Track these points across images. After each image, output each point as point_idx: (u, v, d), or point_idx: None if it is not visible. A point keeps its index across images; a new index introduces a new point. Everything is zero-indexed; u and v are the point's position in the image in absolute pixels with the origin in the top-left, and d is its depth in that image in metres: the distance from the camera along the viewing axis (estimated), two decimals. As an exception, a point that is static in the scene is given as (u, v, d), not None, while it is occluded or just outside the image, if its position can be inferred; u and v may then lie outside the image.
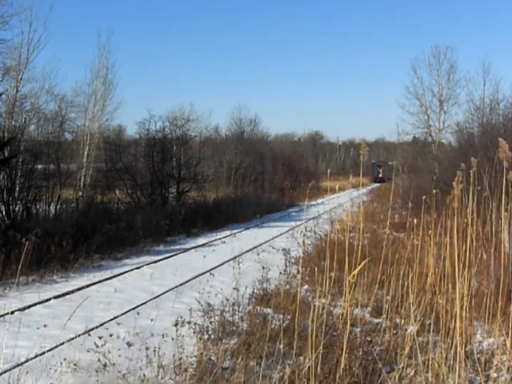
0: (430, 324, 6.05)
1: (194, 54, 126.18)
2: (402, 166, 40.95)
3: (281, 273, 9.87)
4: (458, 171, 6.14)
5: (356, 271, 5.22)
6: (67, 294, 9.55)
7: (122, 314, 8.13)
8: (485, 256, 7.81)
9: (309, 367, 4.80)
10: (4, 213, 13.60)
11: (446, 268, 6.90)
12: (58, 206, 15.11)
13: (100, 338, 5.78)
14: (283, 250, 11.40)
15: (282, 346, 5.57)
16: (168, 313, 8.15)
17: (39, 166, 15.86)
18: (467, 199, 6.55)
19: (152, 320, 7.56)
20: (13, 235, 11.06)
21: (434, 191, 7.44)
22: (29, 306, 8.60)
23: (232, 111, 44.63)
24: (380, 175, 72.55)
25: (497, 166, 5.86)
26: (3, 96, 20.15)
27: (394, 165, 49.25)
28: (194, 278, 11.09)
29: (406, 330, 5.96)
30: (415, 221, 7.91)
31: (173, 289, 10.03)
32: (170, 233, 17.81)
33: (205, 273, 11.50)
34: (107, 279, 11.02)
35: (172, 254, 14.45)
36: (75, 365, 5.66)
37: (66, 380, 5.43)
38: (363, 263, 5.28)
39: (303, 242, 13.54)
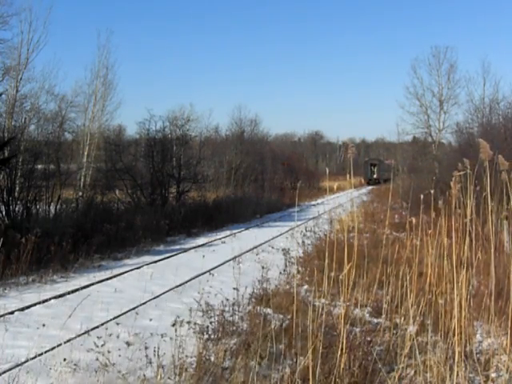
0: (429, 324, 6.06)
1: (194, 53, 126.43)
2: (400, 165, 40.93)
3: (280, 273, 9.87)
4: (455, 171, 6.15)
5: (346, 270, 5.23)
6: (67, 293, 9.55)
7: (121, 314, 8.13)
8: (485, 256, 7.81)
9: (309, 367, 4.80)
10: (4, 213, 13.60)
11: (445, 268, 6.90)
12: (58, 206, 15.10)
13: (100, 338, 5.78)
14: (283, 249, 11.40)
15: (281, 346, 5.58)
16: (168, 313, 8.15)
17: (39, 166, 15.86)
18: (465, 199, 6.55)
19: (152, 320, 7.57)
20: (13, 235, 11.06)
21: (432, 191, 7.43)
22: (29, 306, 8.59)
23: (232, 111, 44.64)
24: (375, 175, 63.88)
25: (496, 166, 5.86)
26: (3, 96, 20.18)
27: (392, 163, 48.99)
28: (193, 278, 11.08)
29: (406, 330, 5.96)
30: (414, 220, 7.91)
31: (173, 289, 10.04)
32: (170, 233, 17.81)
33: (205, 273, 11.50)
34: (107, 279, 11.01)
35: (172, 253, 14.45)
36: (75, 365, 5.66)
37: (66, 380, 5.43)
38: (350, 264, 5.29)
39: (303, 242, 13.56)
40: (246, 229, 20.73)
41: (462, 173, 6.23)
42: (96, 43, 28.11)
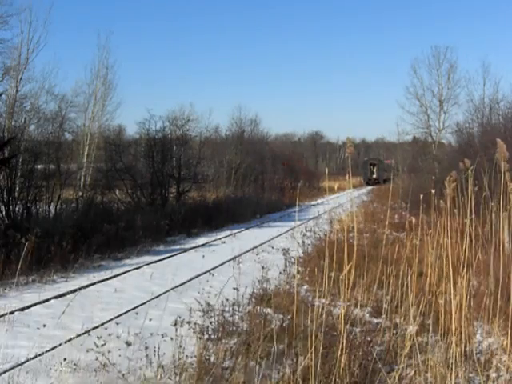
0: (429, 324, 6.05)
1: (194, 53, 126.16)
2: (400, 165, 40.91)
3: (280, 273, 9.87)
4: (452, 171, 6.16)
5: (346, 270, 5.23)
6: (67, 294, 9.55)
7: (121, 314, 8.13)
8: (485, 256, 7.81)
9: (309, 367, 4.80)
10: (4, 213, 13.60)
11: (445, 268, 6.89)
12: (58, 206, 15.11)
13: (100, 337, 5.78)
14: (283, 249, 11.41)
15: (282, 346, 5.58)
16: (168, 313, 8.14)
17: (39, 166, 15.85)
18: (465, 199, 6.56)
19: (152, 320, 7.57)
20: (13, 235, 11.06)
21: (433, 191, 7.43)
22: (29, 306, 8.60)
23: (232, 111, 44.55)
24: (374, 176, 61.63)
25: (496, 166, 5.87)
26: (3, 96, 20.21)
27: (392, 163, 48.76)
28: (193, 278, 11.08)
29: (406, 330, 5.96)
30: (413, 220, 7.91)
31: (173, 289, 10.03)
32: (170, 233, 17.82)
33: (205, 273, 11.50)
34: (107, 279, 11.02)
35: (172, 254, 14.45)
36: (75, 365, 5.66)
37: (66, 380, 5.43)
38: (350, 264, 5.29)
39: (303, 242, 13.56)
40: (246, 229, 20.73)
41: (465, 174, 6.23)
42: (96, 43, 28.24)
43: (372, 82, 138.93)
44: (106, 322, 7.62)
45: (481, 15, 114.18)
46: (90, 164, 25.93)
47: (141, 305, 8.83)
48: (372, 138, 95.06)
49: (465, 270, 5.87)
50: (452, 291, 5.62)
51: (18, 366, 5.83)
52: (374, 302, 7.92)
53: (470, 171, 6.23)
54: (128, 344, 5.76)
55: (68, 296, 9.42)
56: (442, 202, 7.19)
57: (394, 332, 6.32)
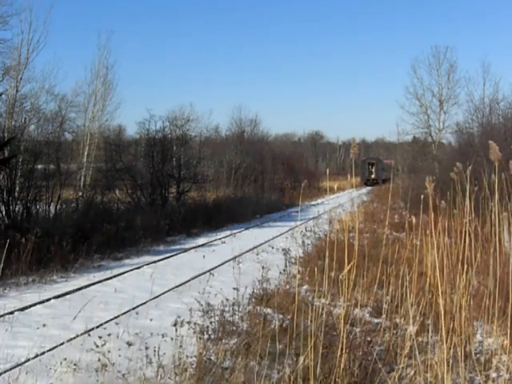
0: (429, 324, 6.06)
1: (194, 53, 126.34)
2: (400, 165, 40.88)
3: (280, 273, 9.87)
4: (452, 173, 6.17)
5: (346, 270, 5.23)
6: (67, 293, 9.55)
7: (121, 314, 8.13)
8: (485, 256, 7.80)
9: (309, 367, 4.80)
10: (4, 213, 13.60)
11: (445, 268, 6.90)
12: (58, 206, 15.10)
13: (100, 337, 5.78)
14: (283, 249, 11.40)
15: (281, 346, 5.58)
16: (168, 313, 8.16)
17: (39, 166, 15.85)
18: (464, 199, 6.56)
19: (152, 320, 7.58)
20: (13, 235, 11.06)
21: (429, 191, 7.42)
22: (29, 306, 8.60)
23: (232, 111, 44.57)
24: (372, 176, 59.74)
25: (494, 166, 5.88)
26: (3, 96, 20.21)
27: (391, 163, 48.63)
28: (193, 278, 11.08)
29: (406, 330, 5.96)
30: (413, 220, 7.91)
31: (173, 289, 10.04)
32: (170, 233, 17.81)
33: (205, 273, 11.49)
34: (107, 279, 11.02)
35: (172, 253, 14.45)
36: (75, 365, 5.66)
37: (66, 380, 5.43)
38: (352, 263, 5.29)
39: (303, 241, 13.56)
40: (246, 229, 20.72)
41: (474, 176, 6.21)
42: (96, 43, 28.24)
43: (372, 81, 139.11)
44: (106, 321, 7.61)
45: (481, 15, 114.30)
46: (90, 164, 25.93)
47: (141, 305, 8.82)
48: (372, 138, 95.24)
49: (465, 269, 5.87)
50: (453, 291, 5.62)
51: (18, 365, 5.84)
52: (374, 302, 7.93)
53: (468, 171, 6.24)
54: (128, 344, 5.76)
55: (68, 296, 9.43)
56: (439, 201, 7.20)
57: (394, 332, 6.33)
